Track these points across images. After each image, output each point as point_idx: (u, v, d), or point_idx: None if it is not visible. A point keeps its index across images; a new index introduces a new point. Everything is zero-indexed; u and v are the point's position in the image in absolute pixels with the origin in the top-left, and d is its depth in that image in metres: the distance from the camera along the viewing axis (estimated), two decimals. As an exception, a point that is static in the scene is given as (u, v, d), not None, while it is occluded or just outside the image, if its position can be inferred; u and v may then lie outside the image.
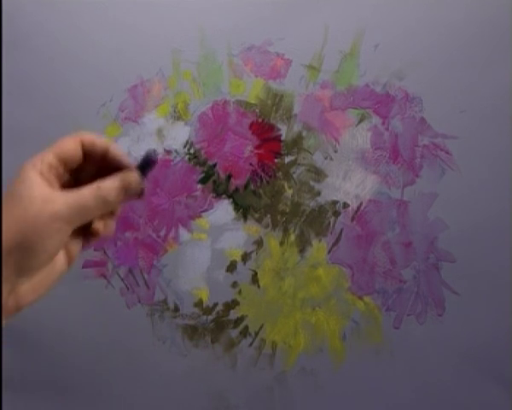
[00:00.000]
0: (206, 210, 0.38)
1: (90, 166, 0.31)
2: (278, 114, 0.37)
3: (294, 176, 0.36)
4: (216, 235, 0.37)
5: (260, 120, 0.37)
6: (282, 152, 0.36)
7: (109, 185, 0.30)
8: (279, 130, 0.37)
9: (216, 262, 0.37)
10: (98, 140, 0.31)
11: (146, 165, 0.33)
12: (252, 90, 0.37)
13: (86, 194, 0.29)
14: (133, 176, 0.32)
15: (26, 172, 0.29)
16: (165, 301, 0.39)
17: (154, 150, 0.31)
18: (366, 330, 0.34)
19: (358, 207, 0.35)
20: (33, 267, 0.27)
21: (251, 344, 0.37)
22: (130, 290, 0.39)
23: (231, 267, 0.37)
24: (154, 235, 0.38)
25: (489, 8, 0.33)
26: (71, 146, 0.30)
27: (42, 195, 0.28)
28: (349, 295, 0.35)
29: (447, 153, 0.33)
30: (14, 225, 0.27)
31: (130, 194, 0.30)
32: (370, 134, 0.35)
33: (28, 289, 0.27)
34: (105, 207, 0.29)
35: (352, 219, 0.35)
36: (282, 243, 0.36)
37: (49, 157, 0.29)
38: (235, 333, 0.37)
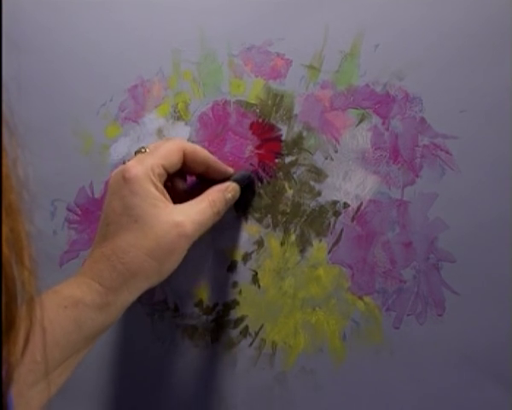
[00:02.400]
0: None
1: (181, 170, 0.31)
2: (278, 114, 0.37)
3: (295, 176, 0.36)
4: (216, 235, 0.37)
5: (260, 120, 0.37)
6: (283, 152, 0.36)
7: (220, 198, 0.31)
8: (279, 130, 0.37)
9: (216, 262, 0.37)
10: (200, 152, 0.31)
11: (242, 179, 0.34)
12: (252, 90, 0.37)
13: (208, 212, 0.30)
14: (236, 189, 0.33)
15: (142, 185, 0.28)
16: (165, 301, 0.39)
17: (251, 174, 0.33)
18: (366, 330, 0.34)
19: (359, 208, 0.35)
20: (159, 280, 0.28)
21: (251, 344, 0.37)
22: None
23: (232, 267, 0.37)
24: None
25: (489, 8, 0.33)
26: (177, 159, 0.30)
27: (169, 218, 0.28)
28: (349, 295, 0.35)
29: (447, 153, 0.33)
30: (145, 253, 0.27)
31: (229, 204, 0.31)
32: (370, 134, 0.35)
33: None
34: (216, 219, 0.30)
35: (353, 219, 0.35)
36: (282, 243, 0.36)
37: (159, 169, 0.29)
38: (235, 333, 0.37)
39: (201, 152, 0.32)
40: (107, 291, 0.27)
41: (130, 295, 0.27)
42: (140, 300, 0.39)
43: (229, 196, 0.32)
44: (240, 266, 0.37)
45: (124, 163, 0.31)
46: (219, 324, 0.37)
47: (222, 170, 0.33)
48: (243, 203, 0.37)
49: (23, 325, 0.17)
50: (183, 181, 0.35)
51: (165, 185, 0.30)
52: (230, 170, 0.34)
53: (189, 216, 0.28)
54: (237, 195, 0.33)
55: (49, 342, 0.25)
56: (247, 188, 0.36)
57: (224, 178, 0.34)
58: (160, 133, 0.39)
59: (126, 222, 0.27)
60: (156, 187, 0.28)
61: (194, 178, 0.36)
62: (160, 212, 0.27)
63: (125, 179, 0.28)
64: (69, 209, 0.41)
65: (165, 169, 0.30)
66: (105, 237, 0.28)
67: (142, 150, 0.31)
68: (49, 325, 0.25)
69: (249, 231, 0.37)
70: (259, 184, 0.37)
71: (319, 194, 0.36)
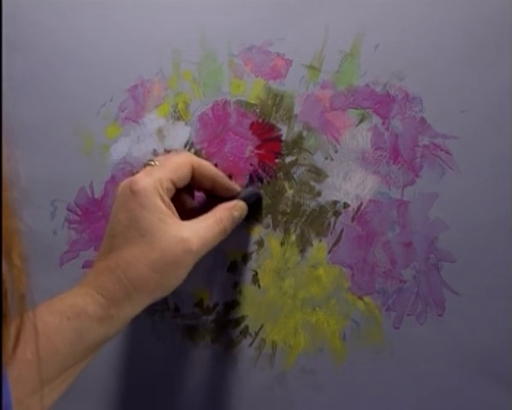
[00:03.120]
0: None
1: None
2: (278, 114, 0.37)
3: (295, 176, 0.36)
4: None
5: (261, 121, 0.37)
6: (283, 152, 0.36)
7: (227, 216, 0.31)
8: (279, 130, 0.37)
9: (216, 262, 0.37)
10: (207, 168, 0.31)
11: (250, 197, 0.35)
12: (252, 90, 0.37)
13: (215, 229, 0.30)
14: (244, 208, 0.33)
15: (150, 198, 0.28)
16: (165, 301, 0.39)
17: (258, 191, 0.33)
18: (366, 330, 0.34)
19: (359, 208, 0.35)
20: (163, 295, 0.28)
21: (251, 344, 0.37)
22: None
23: (232, 267, 0.37)
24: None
25: (489, 8, 0.33)
26: (185, 173, 0.30)
27: (176, 233, 0.28)
28: (349, 295, 0.35)
29: (447, 153, 0.33)
30: (150, 267, 0.27)
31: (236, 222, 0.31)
32: (370, 134, 0.35)
33: None
34: (223, 237, 0.30)
35: (353, 219, 0.35)
36: (282, 243, 0.36)
37: (168, 183, 0.29)
38: (235, 333, 0.37)
39: (209, 167, 0.32)
40: (110, 304, 0.27)
41: (132, 309, 0.27)
42: (140, 300, 0.39)
43: (237, 214, 0.32)
44: (240, 266, 0.37)
45: (132, 174, 0.30)
46: (219, 324, 0.37)
47: (229, 187, 0.33)
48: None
49: (14, 323, 0.17)
50: (191, 197, 0.35)
51: (173, 200, 0.30)
52: (238, 188, 0.34)
53: (195, 232, 0.28)
54: (244, 213, 0.34)
55: (49, 351, 0.25)
56: (255, 205, 0.36)
57: (232, 196, 0.34)
58: (160, 133, 0.39)
59: (133, 235, 0.27)
60: (164, 201, 0.28)
61: (201, 195, 0.36)
62: (167, 227, 0.27)
63: (133, 192, 0.28)
64: (69, 209, 0.41)
65: (173, 183, 0.29)
66: (110, 248, 0.28)
67: (151, 163, 0.31)
68: (51, 334, 0.25)
69: (249, 231, 0.37)
70: (259, 184, 0.37)
71: (319, 194, 0.36)
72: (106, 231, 0.29)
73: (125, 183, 0.29)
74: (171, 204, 0.29)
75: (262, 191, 0.37)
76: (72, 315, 0.26)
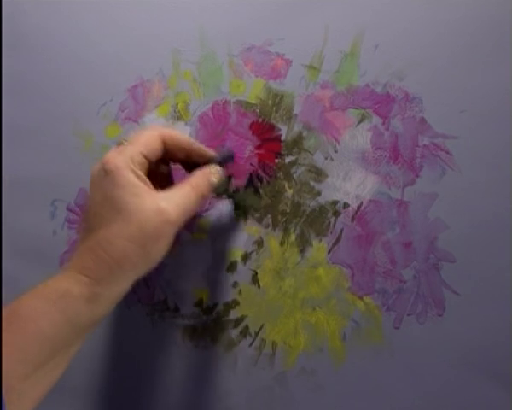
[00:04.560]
0: (206, 210, 0.38)
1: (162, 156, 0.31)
2: (278, 114, 0.37)
3: (295, 176, 0.36)
4: (216, 235, 0.37)
5: (261, 120, 0.37)
6: (283, 152, 0.36)
7: (203, 181, 0.31)
8: (279, 130, 0.37)
9: (216, 262, 0.37)
10: (178, 137, 0.31)
11: (225, 160, 0.34)
12: (252, 90, 0.37)
13: (191, 196, 0.29)
14: (219, 171, 0.33)
15: (123, 175, 0.28)
16: (165, 301, 0.39)
17: (232, 151, 0.33)
18: (366, 330, 0.34)
19: (359, 208, 0.35)
20: (147, 268, 0.28)
21: (251, 344, 0.37)
22: (130, 290, 0.39)
23: (231, 267, 0.37)
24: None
25: (489, 8, 0.33)
26: (156, 145, 0.30)
27: (152, 205, 0.27)
28: (349, 295, 0.35)
29: (447, 153, 0.33)
30: (130, 240, 0.27)
31: (214, 187, 0.31)
32: (370, 134, 0.35)
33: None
34: (202, 203, 0.30)
35: (353, 219, 0.35)
36: (282, 243, 0.36)
37: (139, 157, 0.29)
38: (235, 333, 0.37)
39: (181, 137, 0.32)
40: (94, 282, 0.27)
41: (118, 286, 0.27)
42: (140, 300, 0.39)
43: (213, 178, 0.32)
44: (240, 266, 0.37)
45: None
46: (219, 324, 0.37)
47: (203, 153, 0.33)
48: (243, 208, 0.36)
49: None
50: (168, 169, 0.34)
51: (150, 177, 0.30)
52: (212, 152, 0.34)
53: (172, 201, 0.28)
54: (220, 176, 0.33)
55: (38, 335, 0.25)
56: (247, 192, 0.36)
57: (207, 161, 0.33)
58: (160, 133, 0.39)
59: (110, 214, 0.27)
60: (137, 176, 0.28)
61: (179, 167, 0.36)
62: (143, 200, 0.27)
63: (106, 171, 0.28)
64: (69, 209, 0.41)
65: (145, 157, 0.29)
66: (89, 229, 0.28)
67: (123, 142, 0.31)
68: (37, 318, 0.25)
69: (249, 231, 0.37)
70: (259, 184, 0.37)
71: (319, 194, 0.36)
72: (83, 214, 0.29)
73: (97, 164, 0.29)
74: (146, 178, 0.29)
75: (262, 191, 0.37)
76: (57, 298, 0.26)
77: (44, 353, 0.25)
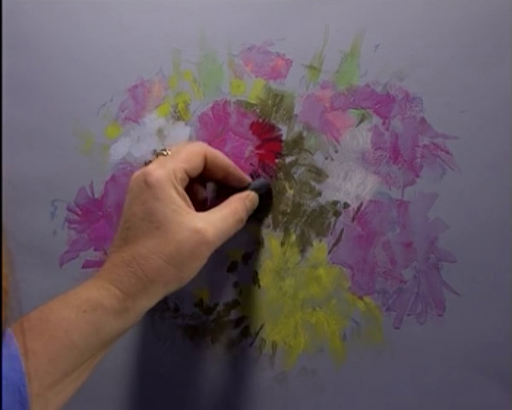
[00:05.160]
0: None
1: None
2: (279, 114, 0.37)
3: (295, 176, 0.36)
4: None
5: (261, 121, 0.37)
6: (283, 152, 0.36)
7: (241, 207, 0.31)
8: (280, 130, 0.37)
9: (216, 262, 0.37)
10: (220, 158, 0.31)
11: (261, 188, 0.35)
12: (252, 90, 0.37)
13: (230, 220, 0.30)
14: (256, 198, 0.33)
15: (165, 190, 0.28)
16: (165, 301, 0.39)
17: (269, 182, 0.33)
18: (366, 330, 0.34)
19: (359, 208, 0.35)
20: (178, 287, 0.28)
21: (251, 344, 0.37)
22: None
23: (232, 267, 0.37)
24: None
25: (489, 8, 0.33)
26: (198, 163, 0.30)
27: (190, 224, 0.27)
28: (349, 295, 0.35)
29: (447, 153, 0.33)
30: (165, 260, 0.27)
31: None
32: (371, 134, 0.35)
33: None
34: (238, 228, 0.30)
35: (353, 219, 0.35)
36: (282, 244, 0.36)
37: (181, 173, 0.29)
38: (235, 333, 0.37)
39: (222, 157, 0.32)
40: (126, 297, 0.27)
41: (148, 301, 0.27)
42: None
43: (249, 204, 0.32)
44: (240, 266, 0.37)
45: (145, 164, 0.30)
46: (220, 324, 0.37)
47: (241, 178, 0.33)
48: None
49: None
50: (203, 187, 0.35)
51: (185, 190, 0.30)
52: (249, 178, 0.34)
53: (211, 223, 0.28)
54: (256, 203, 0.34)
55: (67, 345, 0.25)
56: (265, 196, 0.36)
57: (242, 186, 0.34)
58: (160, 133, 0.39)
59: (147, 228, 0.27)
60: (178, 192, 0.28)
61: (212, 186, 0.36)
62: (182, 218, 0.27)
63: (147, 183, 0.27)
64: (69, 209, 0.41)
65: (187, 173, 0.29)
66: (125, 241, 0.28)
67: (164, 153, 0.30)
68: (68, 328, 0.25)
69: (249, 231, 0.37)
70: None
71: (319, 194, 0.36)
72: (120, 223, 0.29)
73: (138, 174, 0.29)
74: (186, 195, 0.29)
75: (262, 192, 0.37)
76: (88, 309, 0.26)
77: (72, 362, 0.25)
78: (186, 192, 0.29)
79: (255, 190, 0.34)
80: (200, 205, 0.32)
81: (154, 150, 0.32)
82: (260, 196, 0.35)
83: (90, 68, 0.41)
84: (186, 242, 0.27)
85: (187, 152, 0.30)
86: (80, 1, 0.41)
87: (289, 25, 0.37)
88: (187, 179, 0.30)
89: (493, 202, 0.32)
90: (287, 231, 0.36)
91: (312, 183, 0.36)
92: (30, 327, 0.25)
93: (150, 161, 0.30)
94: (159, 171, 0.28)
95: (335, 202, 0.35)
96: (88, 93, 0.41)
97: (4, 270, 0.17)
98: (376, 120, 0.35)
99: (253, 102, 0.37)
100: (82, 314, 0.26)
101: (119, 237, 0.28)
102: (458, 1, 0.33)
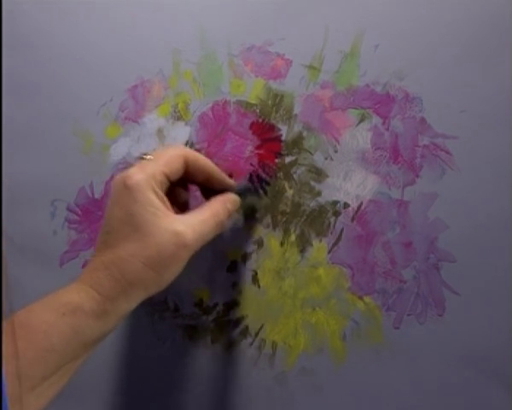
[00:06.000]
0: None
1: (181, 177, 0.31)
2: (278, 114, 0.37)
3: (295, 176, 0.36)
4: (216, 235, 0.37)
5: (261, 120, 0.37)
6: (283, 152, 0.36)
7: (222, 209, 0.31)
8: (279, 130, 0.37)
9: (216, 262, 0.37)
10: (201, 161, 0.31)
11: (244, 191, 0.35)
12: (252, 90, 0.37)
13: (210, 223, 0.30)
14: (237, 201, 0.33)
15: (143, 193, 0.28)
16: (165, 301, 0.39)
17: (251, 186, 0.33)
18: (366, 330, 0.34)
19: (359, 208, 0.35)
20: (158, 290, 0.28)
21: (251, 344, 0.37)
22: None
23: (231, 267, 0.37)
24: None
25: (489, 8, 0.33)
26: (179, 166, 0.30)
27: (169, 227, 0.28)
28: (349, 295, 0.35)
29: (447, 153, 0.33)
30: (144, 263, 0.27)
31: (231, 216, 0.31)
32: (370, 134, 0.35)
33: None
34: (218, 230, 0.30)
35: (353, 219, 0.35)
36: (282, 243, 0.36)
37: (160, 176, 0.29)
38: (235, 333, 0.37)
39: (203, 160, 0.32)
40: (105, 300, 0.27)
41: (128, 304, 0.27)
42: (140, 300, 0.39)
43: (231, 206, 0.32)
44: (240, 266, 0.37)
45: (125, 167, 0.30)
46: (219, 324, 0.37)
47: (223, 180, 0.33)
48: (243, 208, 0.37)
49: None
50: (185, 190, 0.35)
51: (166, 194, 0.30)
52: (231, 181, 0.34)
53: (190, 226, 0.28)
54: (237, 206, 0.34)
55: (46, 348, 0.25)
56: (248, 200, 0.36)
57: (225, 189, 0.34)
58: (160, 133, 0.39)
59: (127, 231, 0.27)
60: (157, 195, 0.28)
61: (194, 188, 0.36)
62: (161, 221, 0.27)
63: (127, 186, 0.28)
64: (69, 209, 0.41)
65: (166, 177, 0.29)
66: (105, 244, 0.28)
67: (145, 157, 0.31)
68: (48, 331, 0.25)
69: (249, 231, 0.37)
70: (261, 189, 0.37)
71: (319, 194, 0.36)
72: (101, 227, 0.29)
73: (118, 177, 0.29)
74: (165, 198, 0.29)
75: (261, 192, 0.37)
76: (67, 312, 0.26)
77: (52, 366, 0.25)
78: (167, 195, 0.29)
79: (238, 193, 0.34)
80: (182, 208, 0.32)
81: (138, 156, 0.32)
82: (252, 195, 0.35)
83: (90, 68, 0.41)
84: (165, 245, 0.27)
85: (167, 156, 0.30)
86: (80, 1, 0.41)
87: (289, 25, 0.37)
88: (167, 183, 0.30)
89: (493, 202, 0.32)
90: (286, 231, 0.36)
91: (312, 183, 0.36)
92: (10, 330, 0.25)
93: (131, 166, 0.30)
94: (138, 174, 0.28)
95: (335, 202, 0.35)
96: (88, 93, 0.41)
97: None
98: (376, 119, 0.35)
99: (253, 102, 0.37)
100: (61, 317, 0.26)
101: (100, 240, 0.28)
102: (458, 1, 0.33)
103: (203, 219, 0.29)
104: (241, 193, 0.35)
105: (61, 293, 0.27)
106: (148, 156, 0.30)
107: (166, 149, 0.31)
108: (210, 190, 0.34)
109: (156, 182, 0.28)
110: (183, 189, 0.34)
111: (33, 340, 0.25)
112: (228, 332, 0.37)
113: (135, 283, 0.27)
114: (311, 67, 0.36)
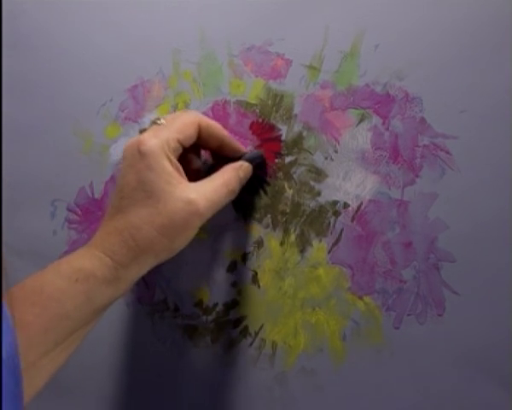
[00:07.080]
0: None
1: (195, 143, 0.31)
2: (278, 114, 0.37)
3: (295, 176, 0.36)
4: (216, 235, 0.37)
5: (260, 120, 0.37)
6: (283, 152, 0.36)
7: (234, 177, 0.31)
8: (279, 130, 0.37)
9: (216, 262, 0.37)
10: (215, 127, 0.31)
11: (255, 158, 0.35)
12: (252, 90, 0.37)
13: (222, 190, 0.30)
14: (249, 169, 0.33)
15: (157, 160, 0.28)
16: (165, 301, 0.39)
17: (262, 153, 0.34)
18: (366, 330, 0.34)
19: (359, 208, 0.35)
20: (168, 257, 0.28)
21: (251, 344, 0.37)
22: (130, 290, 0.39)
23: (231, 267, 0.37)
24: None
25: (489, 8, 0.33)
26: (192, 132, 0.30)
27: (182, 195, 0.28)
28: (349, 295, 0.35)
29: (447, 153, 0.33)
30: (157, 230, 0.27)
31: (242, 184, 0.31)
32: (370, 134, 0.35)
33: None
34: (230, 198, 0.30)
35: (353, 219, 0.35)
36: (282, 243, 0.36)
37: (174, 143, 0.29)
38: (235, 333, 0.37)
39: (216, 127, 0.32)
40: (118, 266, 0.27)
41: (139, 271, 0.28)
42: (140, 300, 0.39)
43: (243, 174, 0.32)
44: (239, 266, 0.37)
45: (140, 133, 0.30)
46: (219, 324, 0.37)
47: (236, 147, 0.33)
48: (243, 203, 0.37)
49: None
50: (197, 156, 0.34)
51: (179, 159, 0.30)
52: (243, 148, 0.34)
53: (202, 194, 0.28)
54: (249, 175, 0.34)
55: (60, 314, 0.25)
56: (249, 186, 0.36)
57: (237, 156, 0.34)
58: (160, 133, 0.39)
59: (140, 197, 0.27)
60: (171, 162, 0.28)
61: (206, 155, 0.36)
62: (174, 189, 0.27)
63: (140, 152, 0.27)
64: (69, 209, 0.41)
65: (180, 143, 0.29)
66: (118, 209, 0.28)
67: (158, 122, 0.30)
68: (61, 298, 0.25)
69: (249, 231, 0.37)
70: (258, 184, 0.37)
71: (319, 194, 0.36)
72: (114, 192, 0.29)
73: (132, 142, 0.29)
74: (179, 165, 0.29)
75: (261, 191, 0.37)
76: (80, 278, 0.26)
77: (65, 331, 0.26)
78: (180, 161, 0.29)
79: (249, 160, 0.34)
80: (194, 174, 0.32)
81: (151, 120, 0.32)
82: (255, 193, 0.35)
83: (90, 68, 0.41)
84: (178, 212, 0.27)
85: (181, 122, 0.30)
86: (80, 1, 0.41)
87: (289, 25, 0.37)
88: (180, 149, 0.30)
89: (493, 201, 0.32)
90: (286, 231, 0.36)
91: (312, 183, 0.36)
92: (23, 297, 0.25)
93: (145, 130, 0.30)
94: (152, 140, 0.28)
95: (335, 202, 0.35)
96: (88, 93, 0.41)
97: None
98: (376, 119, 0.35)
99: (253, 102, 0.37)
100: (74, 284, 0.26)
101: (113, 205, 0.28)
102: (458, 1, 0.33)
103: (215, 188, 0.29)
104: (251, 160, 0.34)
105: (73, 259, 0.27)
106: (162, 121, 0.30)
107: (180, 115, 0.31)
108: (222, 157, 0.33)
109: (170, 149, 0.28)
110: (195, 155, 0.34)
111: (47, 307, 0.25)
112: (228, 332, 0.37)
113: (147, 250, 0.27)
114: (311, 66, 0.36)
